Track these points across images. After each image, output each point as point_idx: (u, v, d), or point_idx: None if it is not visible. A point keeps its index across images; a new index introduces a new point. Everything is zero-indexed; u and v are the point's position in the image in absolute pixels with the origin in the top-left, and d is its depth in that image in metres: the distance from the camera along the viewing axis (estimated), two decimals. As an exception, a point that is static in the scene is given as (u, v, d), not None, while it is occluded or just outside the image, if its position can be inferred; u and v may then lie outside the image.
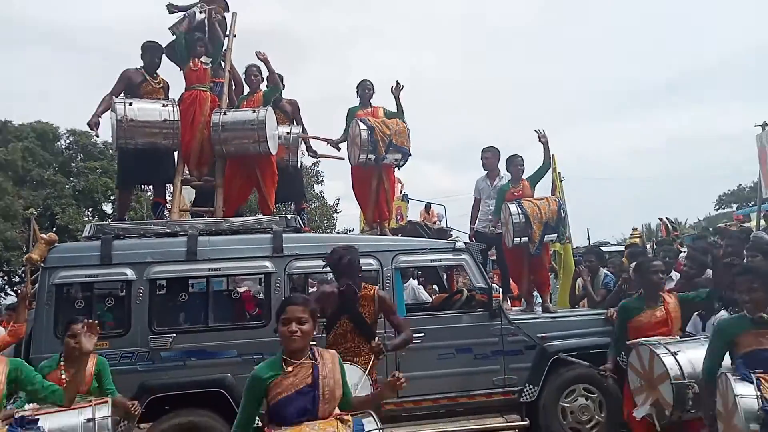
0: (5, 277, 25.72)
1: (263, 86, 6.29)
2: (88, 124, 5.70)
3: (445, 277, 7.12)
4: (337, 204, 26.04)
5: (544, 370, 5.11)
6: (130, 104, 5.50)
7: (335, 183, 43.70)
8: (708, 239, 8.19)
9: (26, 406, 3.32)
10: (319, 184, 25.24)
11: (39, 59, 58.85)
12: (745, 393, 2.98)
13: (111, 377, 3.97)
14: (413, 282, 7.66)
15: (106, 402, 3.48)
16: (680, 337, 4.14)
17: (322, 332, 4.05)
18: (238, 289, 5.87)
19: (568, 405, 5.14)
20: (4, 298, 22.98)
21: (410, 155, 6.20)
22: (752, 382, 3.00)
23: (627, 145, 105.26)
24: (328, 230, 22.04)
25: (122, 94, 5.75)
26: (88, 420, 3.29)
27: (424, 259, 5.41)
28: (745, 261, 5.56)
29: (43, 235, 4.83)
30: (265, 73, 6.18)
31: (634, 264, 5.12)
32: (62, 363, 3.83)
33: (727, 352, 3.31)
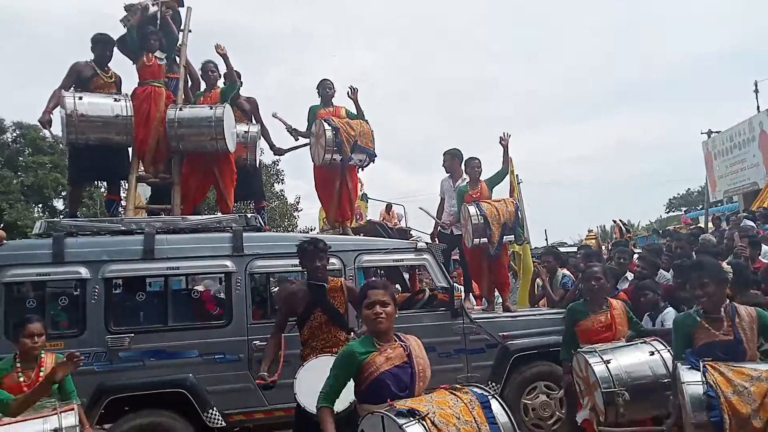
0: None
1: (220, 83, 6.17)
2: (39, 121, 5.54)
3: (407, 276, 7.14)
4: (297, 203, 25.82)
5: (506, 368, 5.19)
6: (80, 98, 5.32)
7: (296, 182, 43.54)
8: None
9: None
10: (280, 183, 24.94)
11: (-24, 45, 55.53)
12: (691, 380, 3.08)
13: (71, 377, 3.72)
14: (375, 282, 7.63)
15: (73, 409, 3.21)
16: (630, 336, 4.15)
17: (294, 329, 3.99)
18: (197, 288, 5.75)
19: (529, 402, 5.23)
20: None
21: (375, 156, 6.21)
22: (699, 369, 3.10)
23: (582, 149, 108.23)
24: (289, 229, 21.80)
25: (72, 89, 5.56)
26: (55, 430, 3.03)
27: (387, 259, 5.42)
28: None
29: (-9, 232, 4.63)
30: (222, 69, 6.08)
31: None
32: (18, 365, 3.58)
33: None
